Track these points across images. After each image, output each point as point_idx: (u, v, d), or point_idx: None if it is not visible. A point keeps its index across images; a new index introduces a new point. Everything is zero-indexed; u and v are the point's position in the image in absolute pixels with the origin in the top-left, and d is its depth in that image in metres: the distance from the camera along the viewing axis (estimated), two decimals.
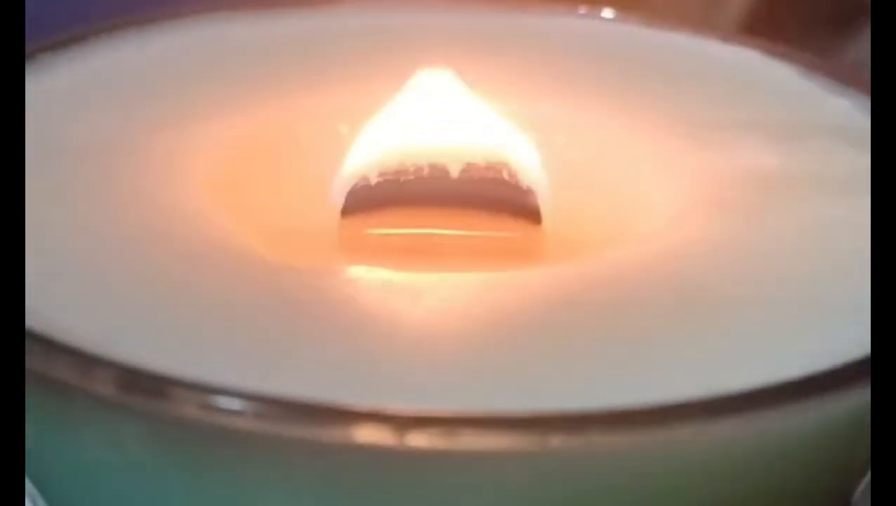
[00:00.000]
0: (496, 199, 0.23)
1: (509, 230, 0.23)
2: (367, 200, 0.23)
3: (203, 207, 0.22)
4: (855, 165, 0.23)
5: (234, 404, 0.17)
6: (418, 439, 0.17)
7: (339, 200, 0.23)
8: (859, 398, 0.18)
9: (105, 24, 0.26)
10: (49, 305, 0.19)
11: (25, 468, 0.21)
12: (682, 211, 0.23)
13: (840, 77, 0.26)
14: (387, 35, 0.27)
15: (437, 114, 0.24)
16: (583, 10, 0.27)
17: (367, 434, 0.17)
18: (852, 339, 0.19)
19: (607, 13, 0.27)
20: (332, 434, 0.17)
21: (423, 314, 0.20)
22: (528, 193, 0.23)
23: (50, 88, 0.25)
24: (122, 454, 0.19)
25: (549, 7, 0.27)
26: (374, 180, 0.23)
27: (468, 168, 0.23)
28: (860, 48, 0.26)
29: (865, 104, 0.25)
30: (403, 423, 0.17)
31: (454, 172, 0.23)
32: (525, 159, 0.23)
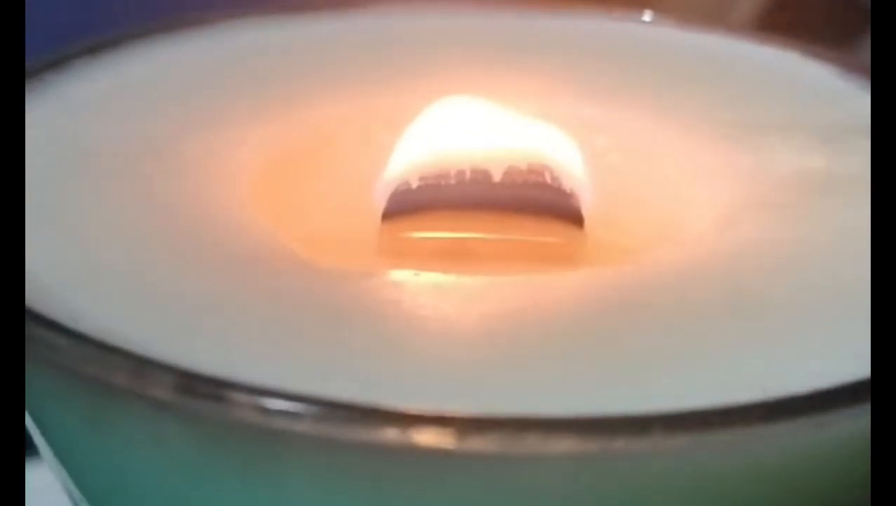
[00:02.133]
0: (538, 203, 0.23)
1: (552, 234, 0.23)
2: (408, 205, 0.23)
3: (242, 211, 0.22)
4: None
5: (294, 407, 0.17)
6: (479, 443, 0.17)
7: (380, 204, 0.23)
8: None
9: (140, 29, 0.26)
10: (96, 308, 0.19)
11: (70, 472, 0.21)
12: (728, 213, 0.22)
13: None
14: (420, 38, 0.27)
15: (477, 119, 0.23)
16: (618, 12, 0.27)
17: (428, 438, 0.17)
18: None
19: (646, 16, 0.27)
20: (392, 438, 0.17)
21: (474, 318, 0.20)
22: (570, 196, 0.23)
23: (86, 93, 0.25)
24: (173, 457, 0.19)
25: (582, 10, 0.27)
26: (415, 184, 0.23)
27: (510, 172, 0.23)
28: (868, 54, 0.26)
29: None
30: (465, 426, 0.17)
31: (496, 175, 0.23)
32: (567, 163, 0.23)
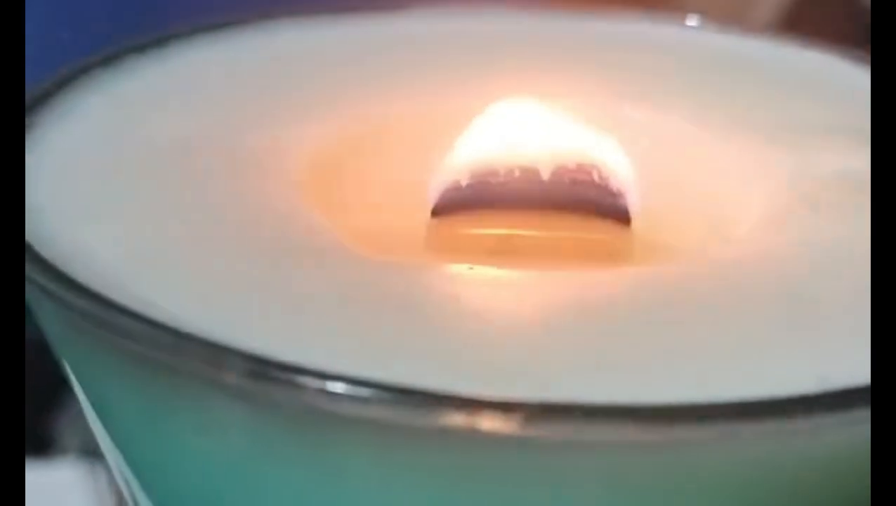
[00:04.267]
0: (586, 201, 0.24)
1: (599, 232, 0.24)
2: (457, 202, 0.24)
3: (296, 206, 0.23)
4: None
5: (363, 392, 0.18)
6: (544, 429, 0.17)
7: (430, 202, 0.24)
8: None
9: (186, 29, 0.26)
10: (164, 297, 0.20)
11: (130, 462, 0.21)
12: (772, 213, 0.23)
13: None
14: (462, 40, 0.27)
15: (528, 121, 0.24)
16: (662, 16, 0.27)
17: (493, 423, 0.17)
18: None
19: (690, 20, 0.27)
20: (459, 423, 0.17)
21: (530, 310, 0.20)
22: (617, 195, 0.24)
23: (136, 89, 0.25)
24: (242, 443, 0.19)
25: (626, 13, 0.28)
26: (464, 182, 0.24)
27: (559, 170, 0.24)
28: None
29: None
30: (530, 412, 0.17)
31: (545, 174, 0.24)
32: (615, 162, 0.24)
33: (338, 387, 0.18)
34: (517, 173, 0.24)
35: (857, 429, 0.18)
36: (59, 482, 0.43)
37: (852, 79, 0.26)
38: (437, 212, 0.24)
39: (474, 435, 0.18)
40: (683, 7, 0.55)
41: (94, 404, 0.21)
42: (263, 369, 0.18)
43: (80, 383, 0.21)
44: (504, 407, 0.17)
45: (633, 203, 0.24)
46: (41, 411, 0.44)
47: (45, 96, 0.25)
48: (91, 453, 0.42)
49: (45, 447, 0.44)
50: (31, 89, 0.24)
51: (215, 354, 0.18)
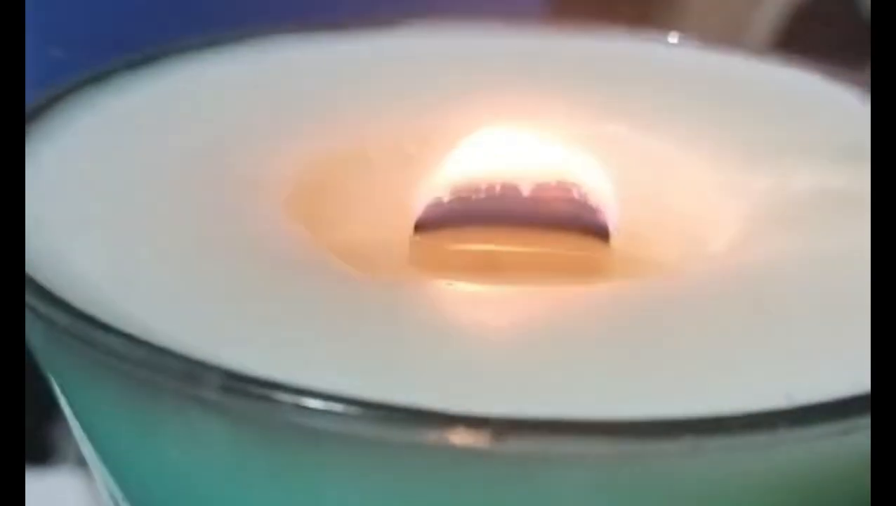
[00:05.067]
0: (566, 217, 0.24)
1: (579, 248, 0.24)
2: (439, 218, 0.24)
3: (280, 222, 0.23)
4: None
5: (335, 407, 0.18)
6: (516, 443, 0.18)
7: (412, 218, 0.24)
8: None
9: (177, 45, 0.27)
10: (143, 312, 0.20)
11: (114, 474, 0.22)
12: (749, 230, 0.23)
13: None
14: (450, 57, 0.28)
15: (509, 140, 0.24)
16: (643, 34, 0.28)
17: (465, 438, 0.18)
18: None
19: (671, 37, 0.28)
20: (431, 438, 0.18)
21: (508, 325, 0.21)
22: (597, 211, 0.24)
23: (126, 106, 0.26)
24: (218, 457, 0.19)
25: (609, 31, 0.28)
26: (446, 198, 0.24)
27: (539, 187, 0.24)
28: None
29: None
30: (502, 427, 0.18)
31: (525, 190, 0.24)
32: (594, 179, 0.24)
33: (313, 403, 0.18)
34: (498, 190, 0.24)
35: (824, 444, 0.19)
36: (58, 490, 0.44)
37: (833, 96, 0.26)
38: (419, 228, 0.24)
39: (448, 450, 0.18)
40: (684, 20, 0.56)
41: (78, 418, 0.21)
42: (240, 385, 0.18)
43: (65, 396, 0.21)
44: (476, 422, 0.18)
45: (613, 219, 0.24)
46: (41, 418, 0.44)
47: (37, 113, 0.25)
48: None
49: (45, 455, 0.44)
50: None
51: (193, 369, 0.18)
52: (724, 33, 0.56)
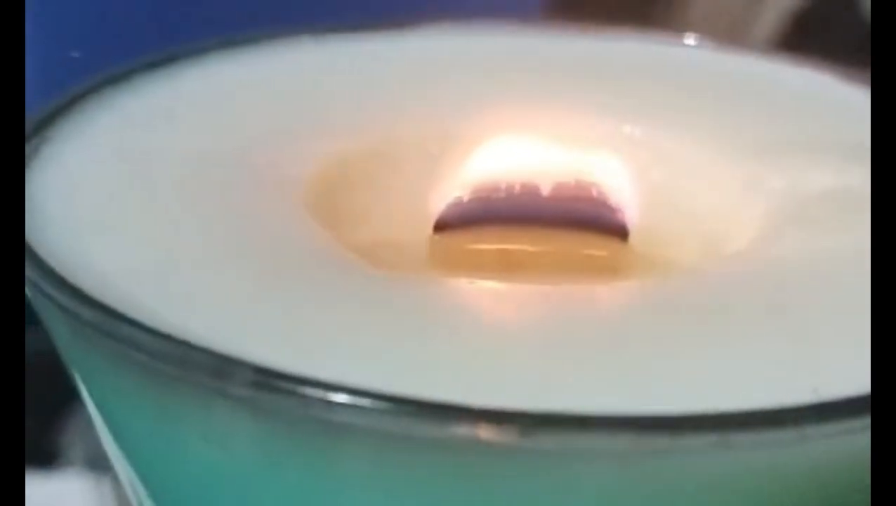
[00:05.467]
0: (585, 216, 0.24)
1: (597, 247, 0.24)
2: (459, 217, 0.24)
3: (302, 222, 0.23)
4: None
5: (362, 402, 0.18)
6: (542, 439, 0.18)
7: (433, 218, 0.24)
8: None
9: (196, 47, 0.27)
10: (168, 311, 0.20)
11: (138, 471, 0.22)
12: (768, 229, 0.23)
13: None
14: (465, 59, 0.28)
15: (527, 138, 0.24)
16: (659, 35, 0.28)
17: (492, 433, 0.18)
18: None
19: (688, 39, 0.28)
20: (457, 433, 0.18)
21: (530, 322, 0.21)
22: (615, 210, 0.24)
23: (145, 107, 0.26)
24: (246, 453, 0.20)
25: (623, 32, 0.28)
26: (466, 198, 0.24)
27: (558, 187, 0.24)
28: None
29: None
30: (529, 422, 0.18)
31: (545, 190, 0.24)
32: (613, 179, 0.24)
33: (340, 397, 0.18)
34: (518, 190, 0.24)
35: (850, 440, 0.19)
36: (64, 494, 0.44)
37: (846, 96, 0.27)
38: (439, 227, 0.24)
39: (474, 445, 0.18)
40: (686, 22, 0.56)
41: (102, 414, 0.22)
42: (268, 380, 0.18)
43: (89, 392, 0.22)
44: (503, 417, 0.18)
45: (631, 219, 0.24)
46: (46, 423, 0.44)
47: (57, 114, 0.25)
48: (96, 465, 0.43)
49: (51, 459, 0.45)
50: (42, 107, 0.25)
51: (221, 364, 0.18)
52: (725, 37, 0.56)
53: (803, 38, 0.57)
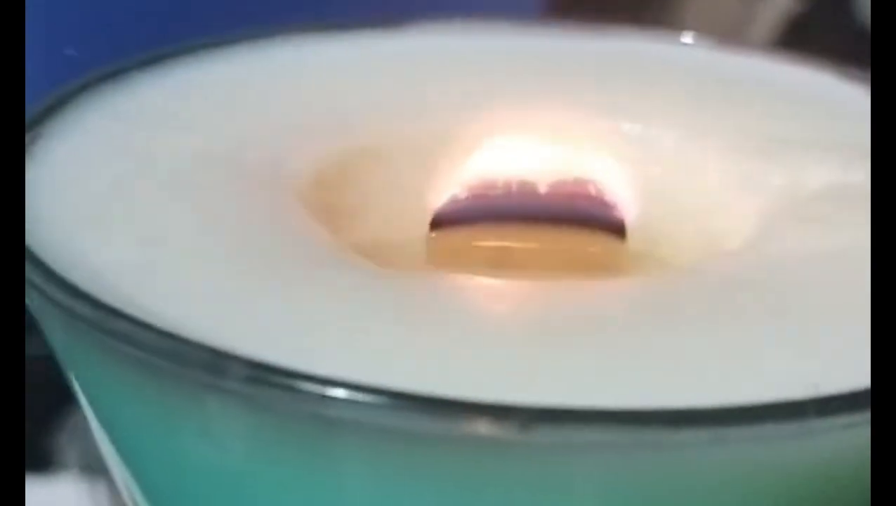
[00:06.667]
0: (582, 214, 0.24)
1: (595, 244, 0.24)
2: (456, 215, 0.24)
3: (299, 219, 0.23)
4: None
5: (359, 396, 0.18)
6: (540, 433, 0.18)
7: (430, 215, 0.24)
8: None
9: (192, 44, 0.27)
10: (165, 307, 0.20)
11: (132, 468, 0.22)
12: (764, 226, 0.23)
13: None
14: (461, 57, 0.28)
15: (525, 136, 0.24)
16: (657, 33, 0.28)
17: (490, 428, 0.18)
18: None
19: (685, 37, 0.28)
20: (456, 427, 0.18)
21: (527, 318, 0.21)
22: (613, 208, 0.24)
23: (140, 104, 0.26)
24: (238, 447, 0.19)
25: (619, 30, 0.28)
26: (463, 196, 0.24)
27: (556, 184, 0.24)
28: None
29: None
30: (527, 416, 0.18)
31: (542, 187, 0.24)
32: (610, 176, 0.24)
33: (337, 392, 0.18)
34: (515, 187, 0.24)
35: (848, 435, 0.19)
36: (59, 499, 0.44)
37: (844, 95, 0.26)
38: (436, 224, 0.24)
39: (472, 439, 0.18)
40: (682, 22, 0.56)
41: (97, 411, 0.21)
42: (262, 375, 0.18)
43: (84, 390, 0.21)
44: (504, 412, 0.18)
45: (629, 216, 0.24)
46: (42, 427, 0.44)
47: (50, 111, 0.25)
48: (91, 469, 0.43)
49: (46, 464, 0.44)
50: (35, 105, 0.25)
51: (216, 359, 0.18)
52: (728, 30, 0.56)
53: (798, 41, 0.57)
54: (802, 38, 0.58)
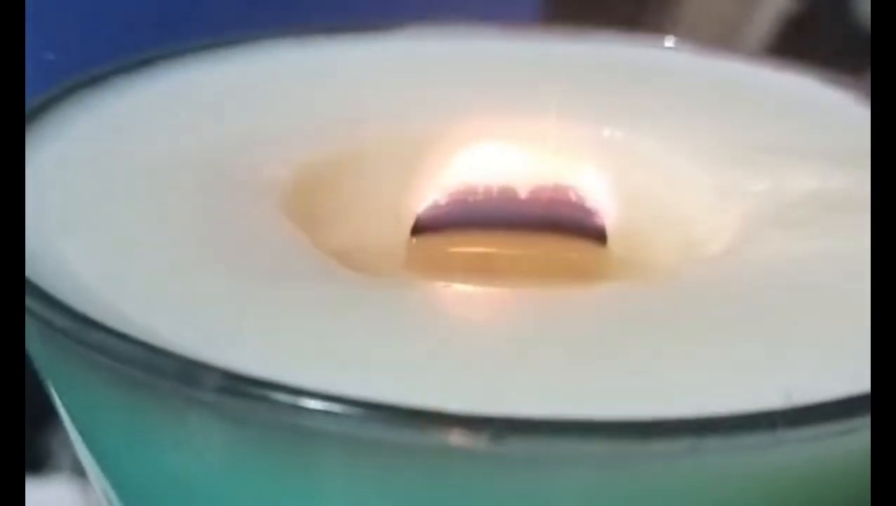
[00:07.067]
0: (563, 219, 0.24)
1: (575, 250, 0.24)
2: (436, 220, 0.24)
3: (278, 224, 0.23)
4: None
5: (332, 407, 0.18)
6: (514, 444, 0.18)
7: (409, 221, 0.24)
8: None
9: (175, 49, 0.27)
10: (140, 314, 0.20)
11: (109, 476, 0.22)
12: (746, 232, 0.23)
13: None
14: (447, 62, 0.28)
15: (505, 141, 0.24)
16: (640, 38, 0.28)
17: (463, 439, 0.18)
18: None
19: (668, 41, 0.28)
20: (428, 439, 0.18)
21: (504, 326, 0.21)
22: (593, 214, 0.24)
23: (122, 109, 0.26)
24: (215, 458, 0.19)
25: (605, 35, 0.28)
26: (443, 201, 0.24)
27: (536, 190, 0.24)
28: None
29: None
30: (500, 427, 0.18)
31: (522, 193, 0.24)
32: (591, 182, 0.24)
33: (312, 403, 0.18)
34: (495, 193, 0.24)
35: (824, 444, 0.19)
36: (52, 500, 0.44)
37: (828, 100, 0.26)
38: (417, 230, 0.24)
39: (446, 450, 0.18)
40: (680, 23, 0.56)
41: (74, 420, 0.21)
42: (238, 385, 0.18)
43: (61, 398, 0.21)
44: (475, 422, 0.18)
45: (609, 222, 0.24)
46: (35, 428, 0.44)
47: (33, 116, 0.25)
48: (83, 471, 0.43)
49: (39, 465, 0.44)
50: None
51: (190, 369, 0.18)
52: (717, 41, 0.56)
53: (795, 43, 0.57)
54: (800, 38, 0.58)
